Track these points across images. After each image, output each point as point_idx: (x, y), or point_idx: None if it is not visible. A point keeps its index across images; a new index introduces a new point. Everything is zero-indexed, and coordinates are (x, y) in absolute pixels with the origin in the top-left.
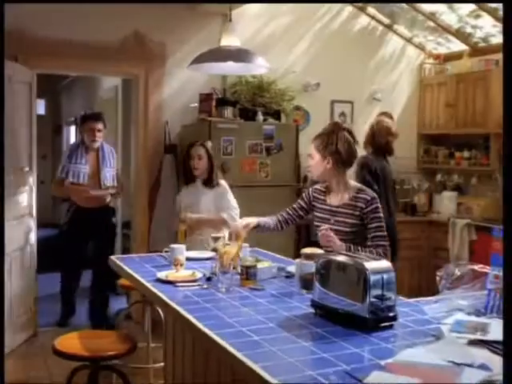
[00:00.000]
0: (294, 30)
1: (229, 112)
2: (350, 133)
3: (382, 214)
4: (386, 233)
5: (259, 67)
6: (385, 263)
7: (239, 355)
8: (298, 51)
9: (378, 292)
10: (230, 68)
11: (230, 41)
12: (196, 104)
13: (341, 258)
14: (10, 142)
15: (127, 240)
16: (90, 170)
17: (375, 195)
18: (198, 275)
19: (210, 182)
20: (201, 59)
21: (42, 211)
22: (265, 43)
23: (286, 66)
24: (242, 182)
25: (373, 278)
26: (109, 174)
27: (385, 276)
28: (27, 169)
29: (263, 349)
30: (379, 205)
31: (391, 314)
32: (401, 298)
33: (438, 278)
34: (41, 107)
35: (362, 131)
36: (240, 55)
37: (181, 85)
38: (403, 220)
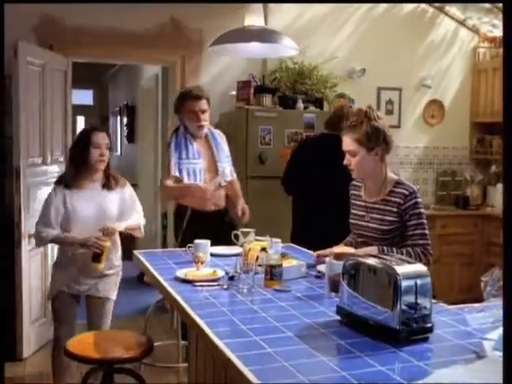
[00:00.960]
0: (337, 13)
1: (267, 100)
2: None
3: (422, 210)
4: (427, 231)
5: (287, 48)
6: (420, 267)
7: (245, 370)
8: (342, 36)
9: (411, 300)
10: (256, 50)
11: (253, 20)
12: (234, 92)
13: (370, 261)
14: (44, 132)
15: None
16: (205, 164)
17: (415, 189)
18: (220, 274)
19: (114, 183)
20: (222, 40)
21: None
22: (306, 28)
23: (329, 51)
24: (281, 173)
25: (405, 283)
26: (227, 167)
27: (419, 281)
28: (62, 159)
29: (275, 363)
30: (419, 199)
31: (426, 325)
32: (441, 304)
33: (482, 284)
34: (88, 97)
35: (411, 120)
36: (265, 35)
37: (218, 72)
38: (454, 214)
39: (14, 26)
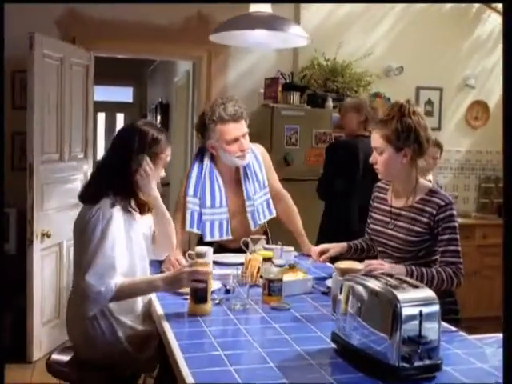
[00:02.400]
0: (374, 7)
1: (295, 98)
2: (421, 116)
3: (457, 224)
4: (459, 247)
5: (297, 38)
6: (427, 292)
7: None
8: (379, 32)
9: (414, 331)
10: (261, 38)
11: (259, 6)
12: (263, 90)
13: (370, 282)
14: (62, 128)
15: None
16: (233, 207)
17: (451, 199)
18: (215, 286)
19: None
20: (225, 27)
21: None
22: (341, 23)
23: (364, 48)
24: (307, 176)
25: (406, 311)
26: (260, 205)
27: (424, 310)
28: (81, 156)
29: None
30: (455, 212)
31: (432, 362)
32: (461, 333)
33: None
34: (128, 95)
35: (452, 122)
36: (271, 22)
37: (246, 68)
38: (497, 223)
39: (36, 18)
